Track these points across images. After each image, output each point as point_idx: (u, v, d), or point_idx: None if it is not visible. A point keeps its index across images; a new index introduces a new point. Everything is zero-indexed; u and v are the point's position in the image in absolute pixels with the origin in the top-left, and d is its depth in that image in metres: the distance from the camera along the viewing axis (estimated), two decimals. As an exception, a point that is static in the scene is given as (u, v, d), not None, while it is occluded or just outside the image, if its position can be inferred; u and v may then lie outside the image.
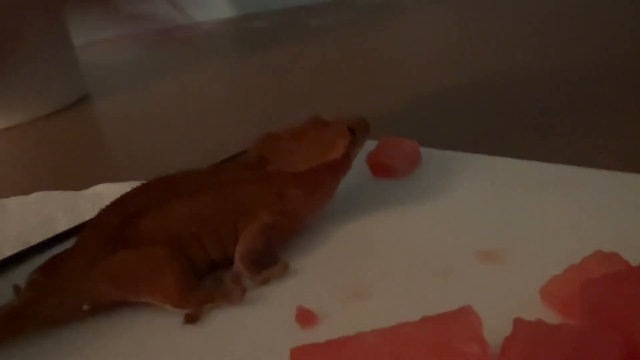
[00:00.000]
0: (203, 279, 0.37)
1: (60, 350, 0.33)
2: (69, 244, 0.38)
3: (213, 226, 0.37)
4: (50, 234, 0.47)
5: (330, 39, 1.04)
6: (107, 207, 0.37)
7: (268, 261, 0.36)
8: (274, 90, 0.82)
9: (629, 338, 0.24)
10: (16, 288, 0.38)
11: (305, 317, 0.31)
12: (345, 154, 0.39)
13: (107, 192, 0.53)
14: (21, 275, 0.39)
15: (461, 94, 0.67)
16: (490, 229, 0.37)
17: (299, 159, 0.38)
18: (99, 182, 0.56)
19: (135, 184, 0.39)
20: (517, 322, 0.25)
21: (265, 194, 0.38)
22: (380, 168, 0.46)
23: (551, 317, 0.28)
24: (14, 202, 0.55)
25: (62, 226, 0.48)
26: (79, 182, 0.58)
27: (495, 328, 0.26)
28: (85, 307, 0.35)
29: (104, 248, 0.35)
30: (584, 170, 0.42)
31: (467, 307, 0.26)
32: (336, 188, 0.40)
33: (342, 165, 0.39)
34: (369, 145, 0.48)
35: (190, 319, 0.33)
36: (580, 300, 0.26)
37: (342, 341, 0.26)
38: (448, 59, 0.82)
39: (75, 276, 0.35)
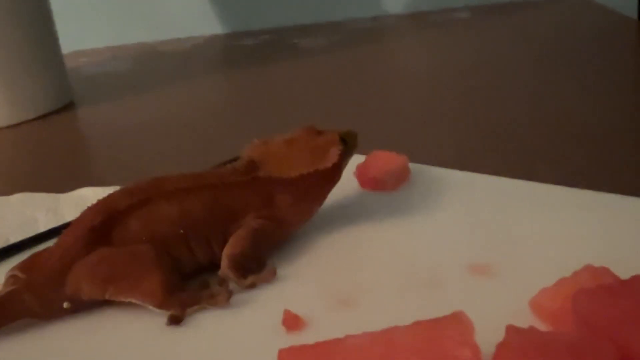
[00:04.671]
0: (189, 281, 0.36)
1: (39, 349, 0.32)
2: (50, 243, 0.37)
3: (200, 228, 0.36)
4: (31, 234, 0.46)
5: (319, 59, 1.05)
6: (93, 205, 0.36)
7: (255, 266, 0.36)
8: (259, 105, 0.82)
9: (621, 348, 0.24)
10: (-6, 284, 0.37)
11: (292, 321, 0.31)
12: (337, 163, 0.39)
13: (90, 196, 0.53)
14: (0, 272, 0.38)
15: (451, 112, 0.67)
16: (480, 244, 0.37)
17: (289, 165, 0.38)
18: (81, 187, 0.55)
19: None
20: (510, 328, 0.25)
21: (254, 199, 0.37)
22: (368, 181, 0.46)
23: (541, 328, 0.28)
24: (-6, 203, 0.54)
25: (44, 227, 0.48)
26: (61, 185, 0.57)
27: (485, 337, 0.26)
28: (65, 305, 0.34)
29: (87, 246, 0.34)
30: (573, 190, 0.42)
31: (460, 312, 0.26)
32: (325, 197, 0.40)
33: (333, 174, 0.39)
34: (358, 159, 0.48)
35: (174, 320, 0.32)
36: (572, 310, 0.26)
37: (332, 343, 0.26)
38: (437, 79, 0.83)
39: (54, 273, 0.34)
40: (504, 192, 0.43)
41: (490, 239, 0.38)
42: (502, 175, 0.46)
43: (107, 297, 0.34)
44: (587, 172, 0.47)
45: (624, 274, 0.29)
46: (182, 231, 0.36)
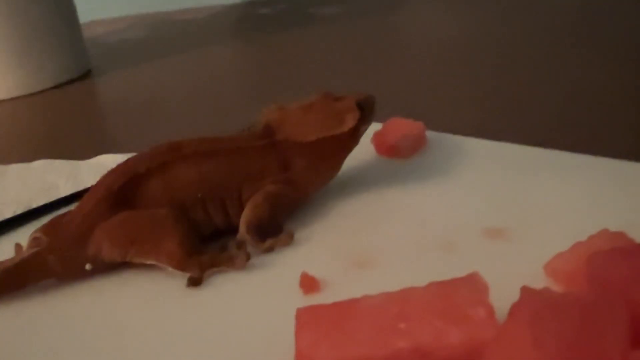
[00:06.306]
0: (207, 245, 0.37)
1: (61, 310, 0.33)
2: (72, 208, 0.38)
3: (218, 192, 0.37)
4: (51, 199, 0.47)
5: (335, 27, 1.04)
6: (113, 169, 0.37)
7: (272, 230, 0.36)
8: (276, 73, 0.82)
9: (635, 309, 0.24)
10: (18, 246, 0.37)
11: (309, 283, 0.31)
12: (354, 129, 0.39)
13: (109, 162, 0.53)
14: (23, 236, 0.39)
15: (467, 80, 0.67)
16: (496, 209, 0.37)
17: (306, 130, 0.38)
18: (100, 154, 0.56)
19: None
20: (525, 289, 0.25)
21: (271, 163, 0.38)
22: (385, 147, 0.46)
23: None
24: (15, 169, 0.55)
25: (64, 193, 0.48)
26: (80, 152, 0.58)
27: (500, 298, 0.26)
28: (87, 267, 0.35)
29: (108, 209, 0.35)
30: (589, 157, 0.42)
31: (475, 274, 0.26)
32: (342, 162, 0.40)
33: (350, 139, 0.39)
34: (375, 126, 0.48)
35: (194, 282, 0.33)
36: (587, 271, 0.26)
37: (349, 303, 0.26)
38: (454, 47, 0.82)
39: (76, 235, 0.35)
40: (519, 159, 0.43)
41: (506, 204, 0.38)
42: (518, 143, 0.46)
43: (128, 258, 0.34)
44: (603, 139, 0.47)
45: (640, 239, 0.29)
46: (200, 195, 0.36)
